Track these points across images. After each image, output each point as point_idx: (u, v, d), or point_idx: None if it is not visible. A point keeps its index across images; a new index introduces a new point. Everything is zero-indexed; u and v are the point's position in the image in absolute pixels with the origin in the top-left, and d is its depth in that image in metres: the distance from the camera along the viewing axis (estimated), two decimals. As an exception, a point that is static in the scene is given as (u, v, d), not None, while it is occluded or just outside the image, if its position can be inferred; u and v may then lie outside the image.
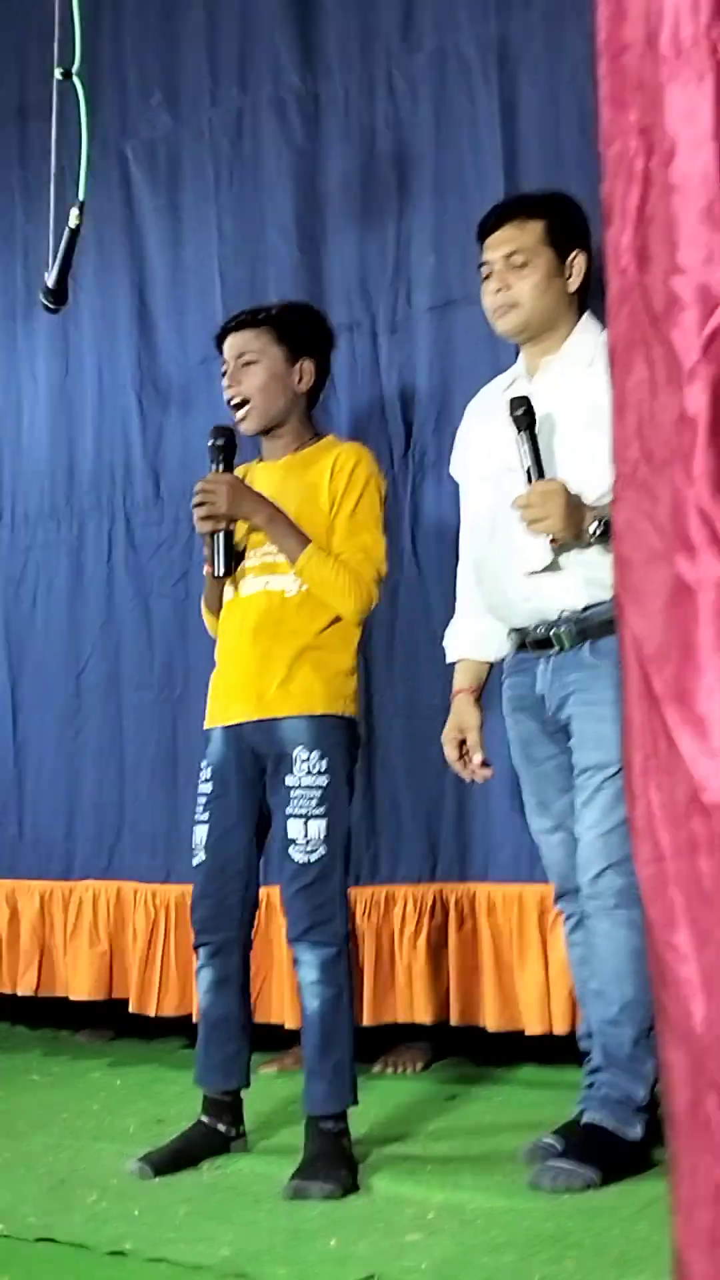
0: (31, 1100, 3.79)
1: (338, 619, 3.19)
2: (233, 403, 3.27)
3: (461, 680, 3.27)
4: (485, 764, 3.20)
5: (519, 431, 2.98)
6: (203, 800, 3.23)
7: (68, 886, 4.36)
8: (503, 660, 3.19)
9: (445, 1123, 3.39)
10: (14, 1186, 3.04)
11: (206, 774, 3.24)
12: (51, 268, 3.46)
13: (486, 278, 3.08)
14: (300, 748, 3.11)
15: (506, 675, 3.15)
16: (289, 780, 3.12)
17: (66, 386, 4.52)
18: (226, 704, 3.22)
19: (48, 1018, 4.60)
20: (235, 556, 3.20)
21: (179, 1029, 4.16)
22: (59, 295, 3.51)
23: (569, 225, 3.07)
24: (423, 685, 3.82)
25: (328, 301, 3.97)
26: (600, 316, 2.92)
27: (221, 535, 3.16)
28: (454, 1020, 3.70)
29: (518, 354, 3.20)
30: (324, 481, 3.20)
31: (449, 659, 3.31)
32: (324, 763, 3.11)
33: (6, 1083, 3.99)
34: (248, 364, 3.25)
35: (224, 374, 3.29)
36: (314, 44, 4.04)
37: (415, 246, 3.87)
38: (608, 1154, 2.88)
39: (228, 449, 3.22)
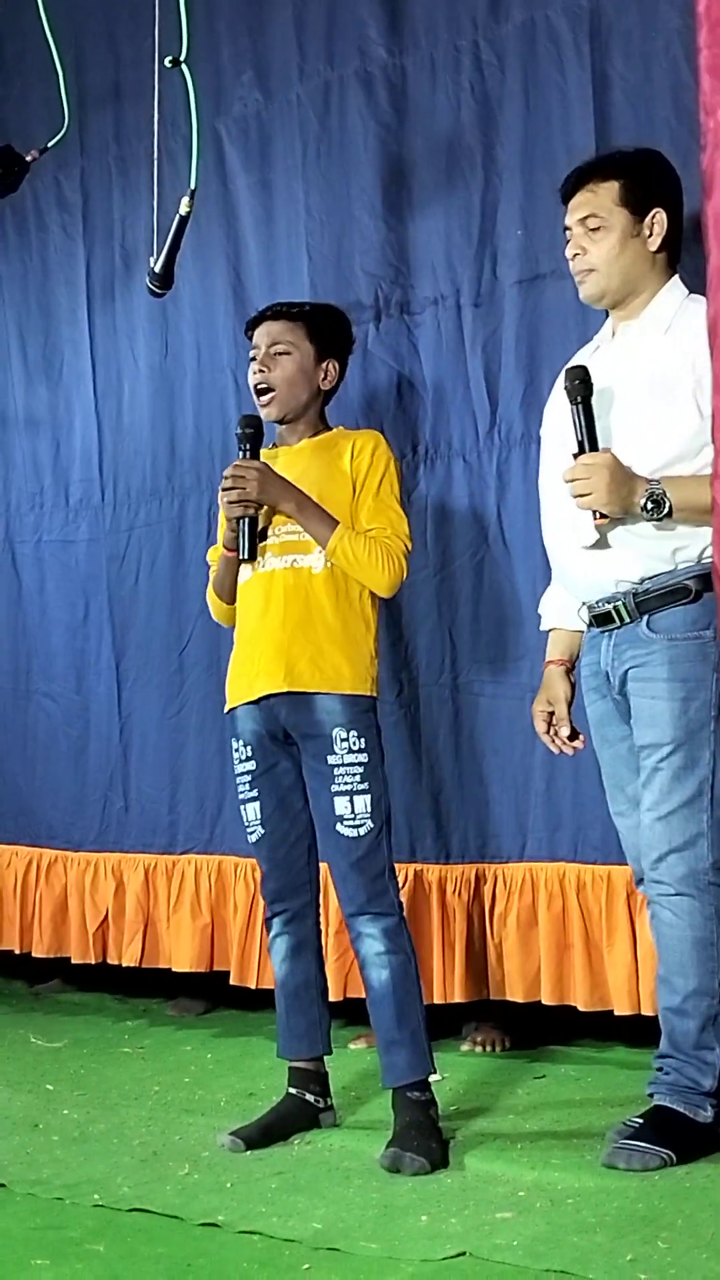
0: (124, 1073, 3.83)
1: (363, 598, 3.25)
2: (260, 387, 3.34)
3: (552, 651, 3.26)
4: (574, 735, 3.18)
5: (571, 403, 2.95)
6: (248, 779, 3.29)
7: (171, 860, 4.42)
8: None
9: (534, 1101, 3.40)
10: (108, 1158, 3.09)
11: (245, 752, 3.28)
12: (158, 253, 3.48)
13: (569, 242, 3.05)
14: (338, 729, 3.17)
15: (582, 654, 3.14)
16: (330, 759, 3.17)
17: (166, 366, 4.55)
18: (252, 679, 3.26)
19: (138, 990, 4.66)
20: (259, 538, 3.26)
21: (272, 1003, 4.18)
22: (166, 280, 3.54)
23: (648, 183, 3.00)
24: (509, 664, 3.81)
25: (413, 275, 3.96)
26: (696, 280, 2.88)
27: (248, 520, 3.24)
28: (546, 999, 3.69)
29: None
30: (345, 462, 3.29)
31: (541, 628, 3.30)
32: (361, 740, 3.18)
33: (99, 1055, 4.04)
34: (280, 354, 3.34)
35: (252, 359, 3.36)
36: (401, 17, 4.01)
37: (502, 220, 3.84)
38: (680, 1135, 2.88)
39: (256, 437, 3.30)
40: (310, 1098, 3.24)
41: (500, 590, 3.81)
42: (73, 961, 4.62)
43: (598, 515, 2.91)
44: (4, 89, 4.91)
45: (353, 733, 3.17)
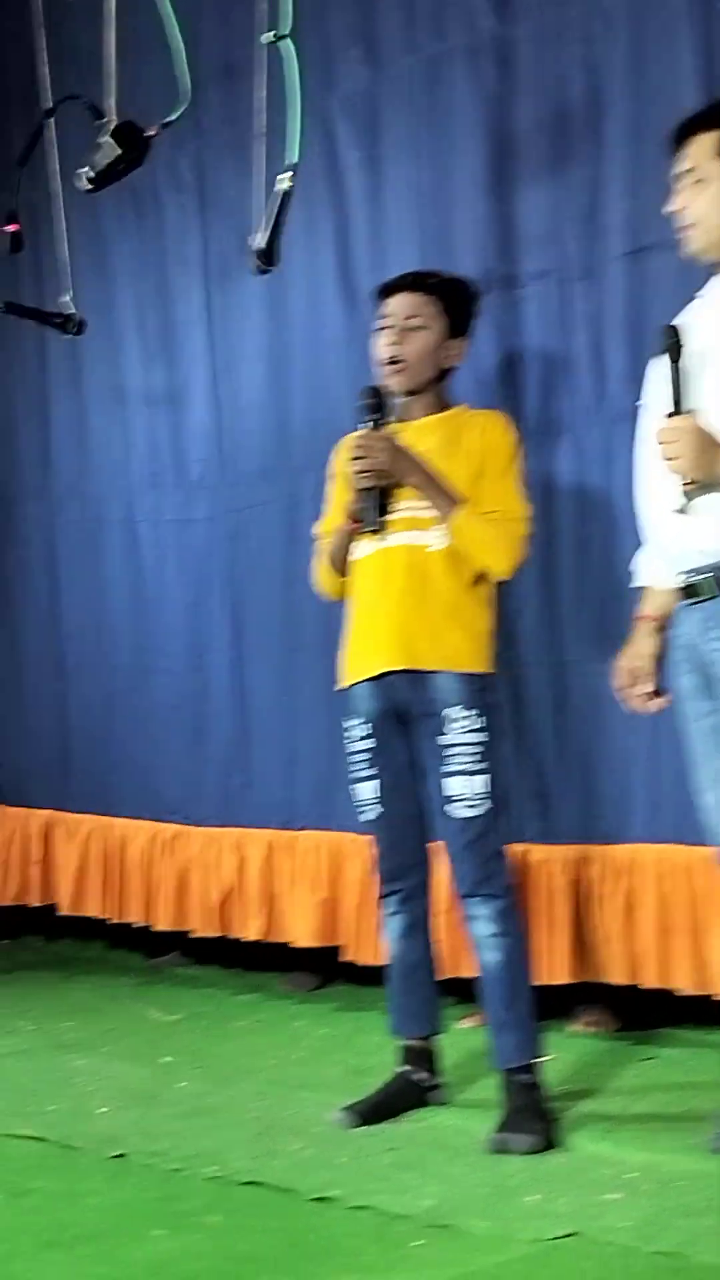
0: (237, 1047, 3.89)
1: (479, 578, 3.23)
2: (390, 359, 3.31)
3: (643, 606, 3.14)
4: (656, 694, 3.07)
5: (666, 360, 2.85)
6: (365, 757, 3.29)
7: (291, 836, 4.47)
8: None
9: (642, 1083, 3.40)
10: (223, 1130, 3.15)
11: (363, 730, 3.29)
12: (263, 230, 3.49)
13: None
14: (456, 707, 3.16)
15: (675, 623, 3.04)
16: (445, 739, 3.17)
17: (278, 345, 4.56)
18: (370, 656, 3.26)
19: (253, 964, 4.73)
20: (384, 513, 3.25)
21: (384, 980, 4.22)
22: (270, 257, 3.55)
23: None
24: (614, 642, 3.75)
25: (519, 249, 3.93)
26: None
27: (376, 492, 3.23)
28: (648, 983, 3.69)
29: None
30: (469, 444, 3.27)
31: (633, 584, 3.22)
32: (481, 720, 3.17)
33: (215, 1029, 4.11)
34: (415, 328, 3.31)
35: (383, 327, 3.33)
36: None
37: (610, 192, 3.80)
38: None
39: (380, 408, 3.29)
40: (420, 1076, 3.27)
41: (605, 567, 3.79)
42: (194, 935, 4.69)
43: (686, 481, 2.84)
44: (121, 66, 4.94)
45: (472, 711, 3.17)
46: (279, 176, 3.44)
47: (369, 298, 4.31)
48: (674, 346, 2.87)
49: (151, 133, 3.76)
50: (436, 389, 3.37)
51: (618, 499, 3.77)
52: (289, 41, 3.49)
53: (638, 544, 3.56)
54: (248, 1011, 4.30)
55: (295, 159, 3.49)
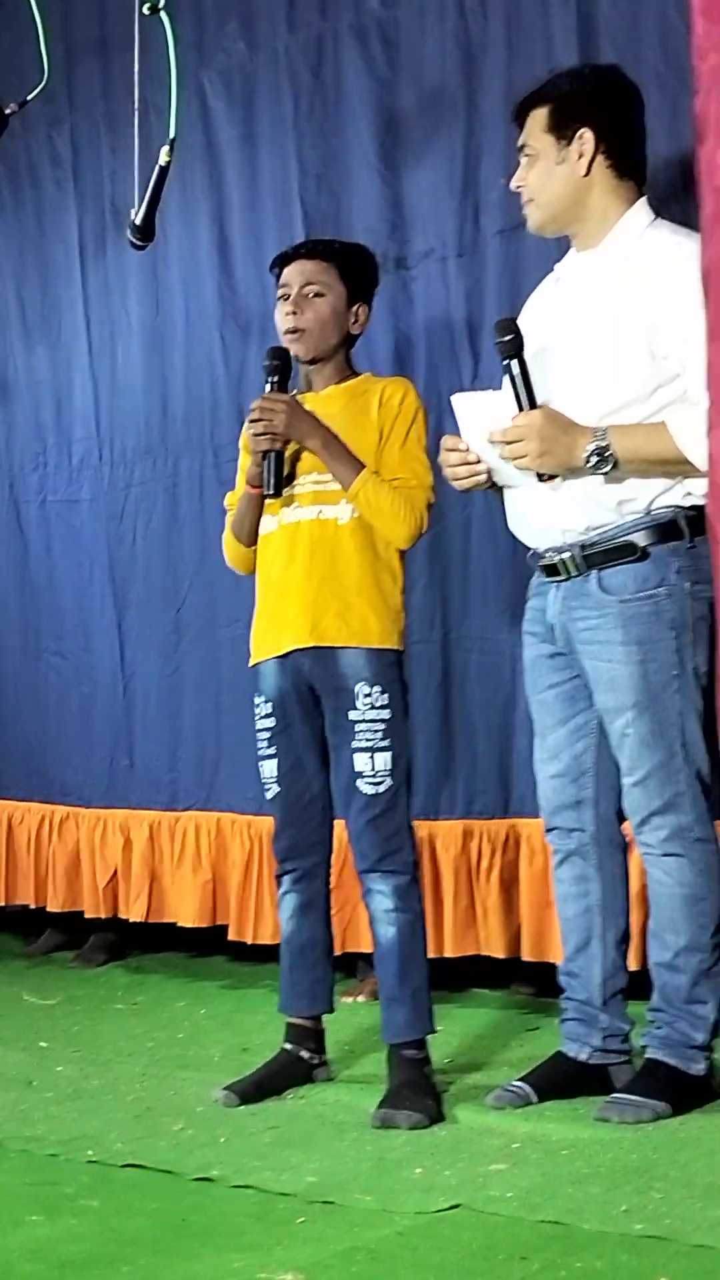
0: (117, 1029, 3.85)
1: (388, 551, 3.19)
2: (289, 329, 3.26)
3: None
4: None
5: (502, 359, 2.85)
6: (266, 735, 3.26)
7: (174, 817, 4.45)
8: None
9: (527, 1053, 3.40)
10: (102, 1113, 3.10)
11: (266, 709, 3.25)
12: (139, 205, 3.45)
13: None
14: (362, 682, 3.13)
15: (529, 595, 3.06)
16: (352, 715, 3.14)
17: (157, 323, 4.52)
18: (278, 634, 3.22)
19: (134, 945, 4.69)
20: (284, 479, 3.19)
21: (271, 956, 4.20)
22: (146, 232, 3.50)
23: (573, 104, 2.87)
24: (494, 619, 3.80)
25: (406, 228, 3.92)
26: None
27: (274, 455, 3.17)
28: (525, 955, 3.71)
29: None
30: (373, 410, 3.22)
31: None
32: (385, 696, 3.14)
33: (93, 1011, 4.06)
34: (314, 295, 3.25)
35: (282, 298, 3.28)
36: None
37: (485, 169, 3.80)
38: (673, 1088, 2.88)
39: (284, 370, 3.23)
40: (305, 1054, 3.25)
41: (487, 546, 3.80)
42: (86, 916, 4.65)
43: (544, 477, 2.83)
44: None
45: (376, 688, 3.13)
46: (161, 150, 3.38)
47: (245, 276, 4.29)
48: (510, 344, 2.84)
49: (10, 110, 3.70)
50: (340, 357, 3.30)
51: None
52: (165, 14, 3.44)
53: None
54: (127, 994, 4.26)
55: (173, 134, 3.44)
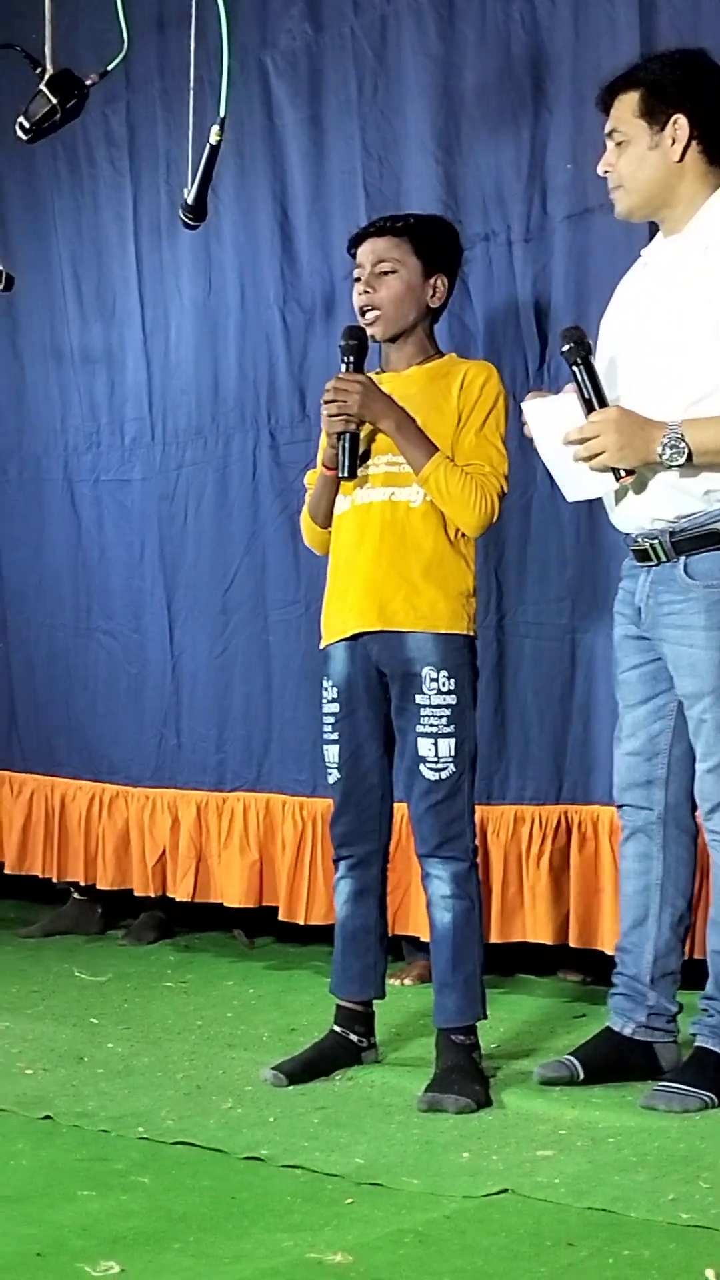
0: (167, 1007, 3.87)
1: (460, 535, 3.17)
2: (364, 308, 3.24)
3: None
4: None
5: (570, 365, 2.87)
6: (330, 720, 3.25)
7: (221, 798, 4.46)
8: None
9: (574, 1040, 3.39)
10: (152, 1091, 3.12)
11: (331, 693, 3.25)
12: (191, 184, 3.44)
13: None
14: (429, 667, 3.11)
15: (622, 577, 3.08)
16: (418, 699, 3.12)
17: (210, 303, 4.52)
18: (345, 617, 3.21)
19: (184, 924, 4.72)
20: (360, 460, 3.18)
21: (324, 938, 4.22)
22: (198, 211, 3.50)
23: (668, 89, 2.86)
24: (552, 605, 3.79)
25: (464, 211, 3.90)
26: None
27: (349, 436, 3.14)
28: (573, 942, 3.71)
29: None
30: (453, 394, 3.18)
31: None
32: (451, 681, 3.11)
33: (143, 989, 4.08)
34: (385, 272, 3.22)
35: (356, 279, 3.26)
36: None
37: (552, 153, 3.78)
38: None
39: (360, 350, 3.20)
40: (354, 1037, 3.26)
41: (546, 530, 3.79)
42: (135, 894, 4.68)
43: (621, 474, 2.84)
44: (58, 14, 4.86)
45: (443, 673, 3.11)
46: (212, 128, 3.38)
47: (310, 258, 4.29)
48: (578, 349, 2.86)
49: (90, 82, 3.69)
50: (420, 334, 3.26)
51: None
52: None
53: (576, 508, 3.53)
54: (176, 972, 4.28)
55: (223, 113, 3.44)
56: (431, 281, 3.23)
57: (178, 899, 4.51)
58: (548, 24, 3.76)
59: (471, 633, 3.18)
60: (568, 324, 3.70)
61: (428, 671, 3.12)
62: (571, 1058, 3.04)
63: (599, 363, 2.95)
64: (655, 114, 2.86)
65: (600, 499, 3.03)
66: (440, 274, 3.24)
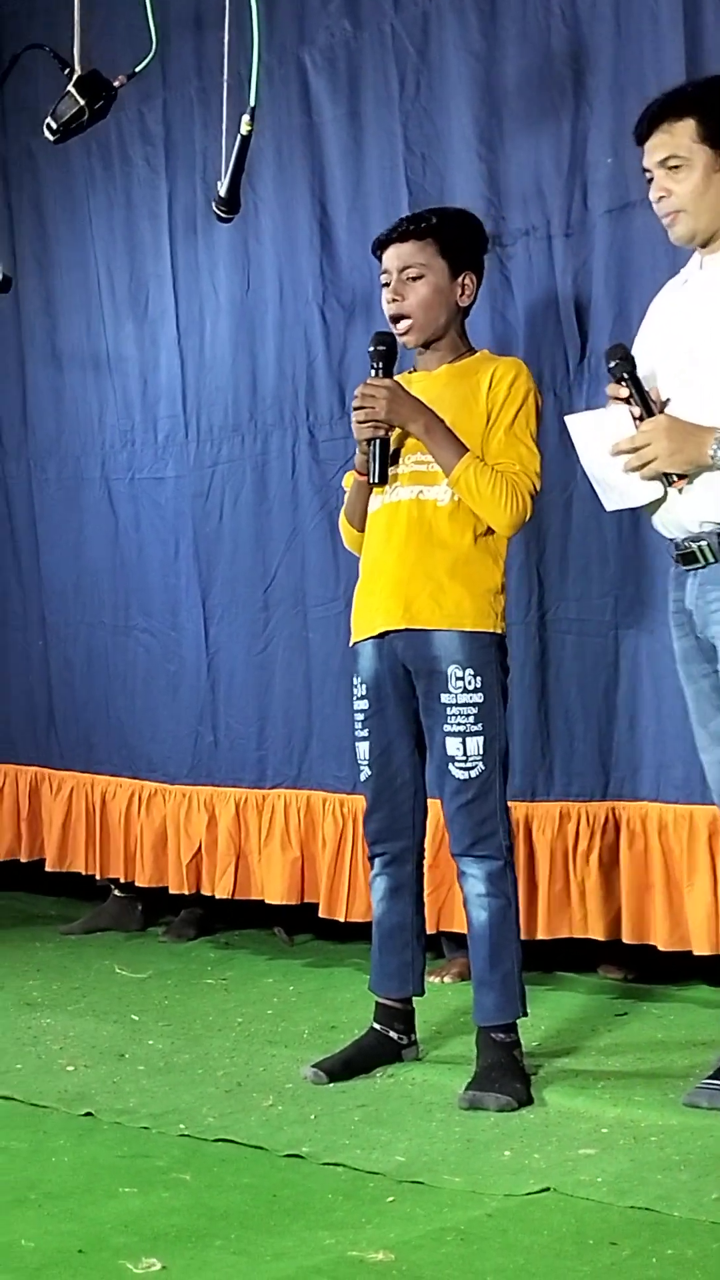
0: (208, 1004, 3.87)
1: (488, 533, 3.16)
2: (394, 315, 3.24)
3: None
4: None
5: (616, 382, 2.90)
6: (361, 717, 3.25)
7: (261, 795, 4.46)
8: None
9: (616, 1038, 3.40)
10: (193, 1088, 3.13)
11: (361, 690, 3.25)
12: (224, 176, 3.43)
13: (650, 184, 2.97)
14: (454, 665, 3.11)
15: (669, 589, 3.09)
16: (444, 698, 3.12)
17: (248, 300, 4.51)
18: (372, 615, 3.21)
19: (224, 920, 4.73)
20: (390, 464, 3.17)
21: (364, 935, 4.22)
22: (231, 204, 3.49)
23: None
24: (594, 602, 3.77)
25: (505, 207, 3.89)
26: None
27: (379, 442, 3.14)
28: (626, 938, 3.69)
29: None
30: (482, 392, 3.18)
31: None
32: (478, 680, 3.11)
33: (184, 986, 4.09)
34: (413, 278, 3.22)
35: (385, 284, 3.26)
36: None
37: (592, 148, 3.76)
38: None
39: (389, 355, 3.19)
40: (394, 1035, 3.25)
41: (588, 527, 3.77)
42: (170, 892, 4.68)
43: (673, 479, 2.86)
44: (87, 15, 4.87)
45: (469, 671, 3.10)
46: (243, 119, 3.37)
47: (350, 256, 4.28)
48: (623, 365, 2.90)
49: (118, 84, 3.69)
50: (453, 334, 3.26)
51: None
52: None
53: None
54: (217, 969, 4.28)
55: (253, 103, 3.43)
56: (460, 280, 3.23)
57: (218, 896, 4.50)
58: (588, 18, 3.74)
59: (500, 630, 3.17)
60: (608, 319, 3.73)
61: (453, 670, 3.11)
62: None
63: (641, 374, 2.97)
64: (716, 138, 2.89)
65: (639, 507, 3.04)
66: (468, 271, 3.24)
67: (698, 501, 2.89)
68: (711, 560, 2.91)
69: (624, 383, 2.89)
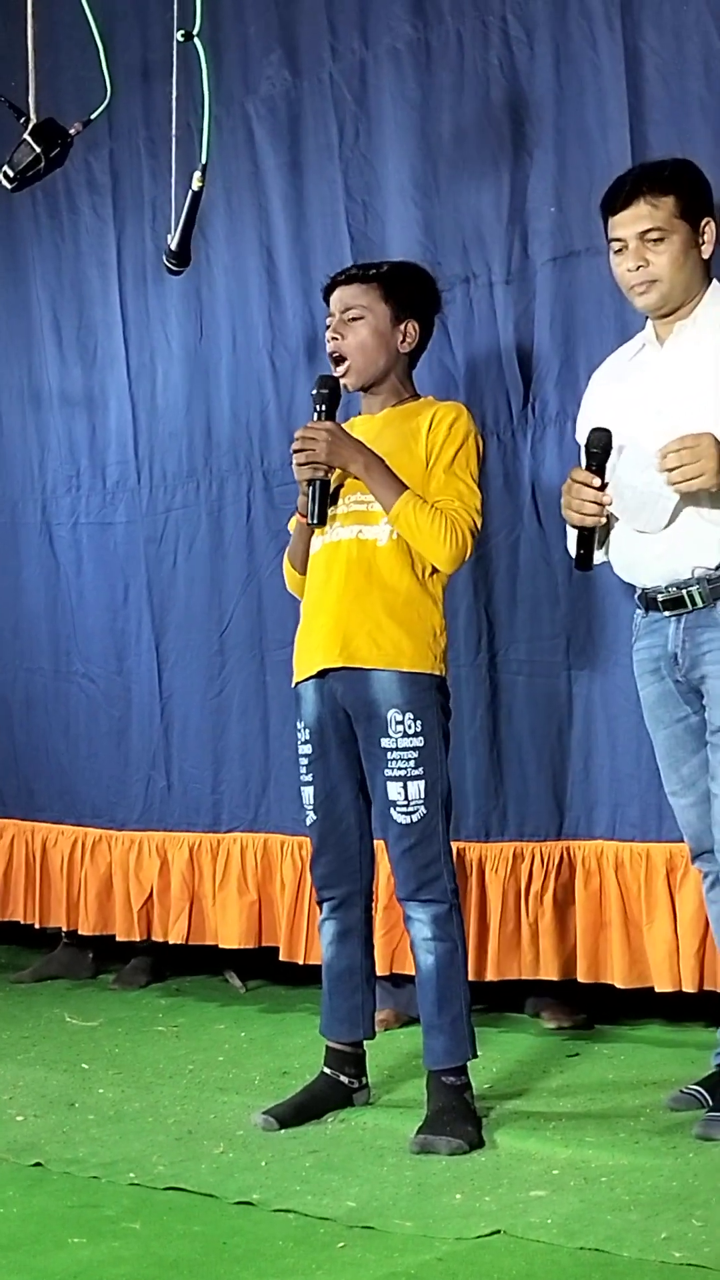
0: (159, 1052, 3.85)
1: (431, 573, 3.18)
2: (334, 355, 3.27)
3: None
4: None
5: (588, 469, 2.97)
6: (305, 762, 3.26)
7: (216, 839, 4.45)
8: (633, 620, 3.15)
9: (568, 1079, 3.40)
10: (144, 1136, 3.10)
11: (304, 735, 3.25)
12: (175, 230, 3.46)
13: (618, 252, 3.04)
14: (394, 709, 3.11)
15: (636, 639, 3.12)
16: (384, 742, 3.12)
17: (201, 349, 4.53)
18: (311, 654, 3.21)
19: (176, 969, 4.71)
20: (330, 504, 3.20)
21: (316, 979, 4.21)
22: (182, 257, 3.51)
23: (699, 195, 3.05)
24: (544, 643, 3.80)
25: (442, 253, 3.93)
26: None
27: (318, 483, 3.16)
28: (581, 977, 3.69)
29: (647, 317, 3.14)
30: (422, 433, 3.20)
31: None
32: (418, 724, 3.11)
33: (134, 1034, 4.06)
34: (353, 319, 3.25)
35: (328, 326, 3.30)
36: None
37: (533, 196, 3.81)
38: None
39: (331, 398, 3.22)
40: (345, 1079, 3.25)
41: (536, 568, 3.80)
42: (118, 939, 4.65)
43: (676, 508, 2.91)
44: (39, 63, 4.89)
45: (408, 715, 3.10)
46: (194, 174, 3.40)
47: (294, 303, 4.32)
48: (605, 456, 2.97)
49: (74, 131, 3.72)
50: (395, 379, 3.29)
51: (545, 501, 3.76)
52: (199, 40, 3.46)
53: (566, 547, 3.55)
54: (168, 1016, 4.26)
55: (204, 159, 3.46)
56: (401, 327, 3.26)
57: (171, 941, 4.48)
58: (527, 70, 3.79)
59: (440, 672, 3.18)
60: (553, 363, 3.77)
61: (393, 714, 3.11)
62: (699, 1088, 3.11)
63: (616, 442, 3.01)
64: (693, 216, 3.02)
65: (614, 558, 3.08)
66: (410, 319, 3.27)
67: (692, 548, 2.94)
68: (700, 605, 2.96)
69: (594, 472, 2.96)
